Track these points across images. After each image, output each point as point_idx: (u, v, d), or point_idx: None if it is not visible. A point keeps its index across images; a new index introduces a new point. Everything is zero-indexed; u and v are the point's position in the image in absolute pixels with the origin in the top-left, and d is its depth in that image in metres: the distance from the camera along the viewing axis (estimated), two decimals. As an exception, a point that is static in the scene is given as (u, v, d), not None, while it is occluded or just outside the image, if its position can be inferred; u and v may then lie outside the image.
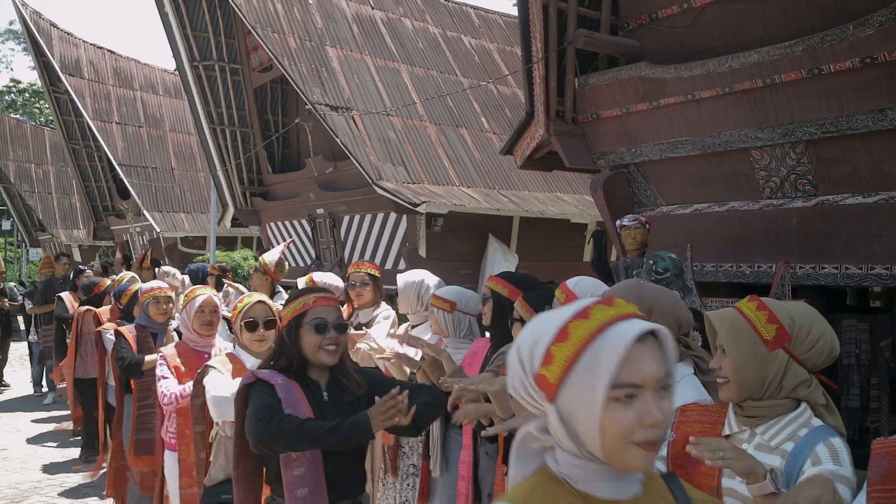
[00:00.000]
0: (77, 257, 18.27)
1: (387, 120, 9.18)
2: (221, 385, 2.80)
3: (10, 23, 46.18)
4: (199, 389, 2.98)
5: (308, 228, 10.24)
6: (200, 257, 11.63)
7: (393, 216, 8.62)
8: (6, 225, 27.86)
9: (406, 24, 11.16)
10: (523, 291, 2.85)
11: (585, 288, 2.55)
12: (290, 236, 10.54)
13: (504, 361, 2.80)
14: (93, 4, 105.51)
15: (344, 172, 9.20)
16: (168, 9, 10.43)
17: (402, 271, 4.83)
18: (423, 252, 8.40)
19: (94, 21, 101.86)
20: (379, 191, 8.07)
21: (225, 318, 4.04)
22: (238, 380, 2.62)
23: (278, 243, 8.43)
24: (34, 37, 15.48)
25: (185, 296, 3.64)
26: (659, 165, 5.27)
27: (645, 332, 1.00)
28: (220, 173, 11.09)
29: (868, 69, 3.85)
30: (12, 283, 17.33)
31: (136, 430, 4.22)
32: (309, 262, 10.33)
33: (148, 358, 4.18)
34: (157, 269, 7.47)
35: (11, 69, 50.09)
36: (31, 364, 9.91)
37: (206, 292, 3.60)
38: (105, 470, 5.28)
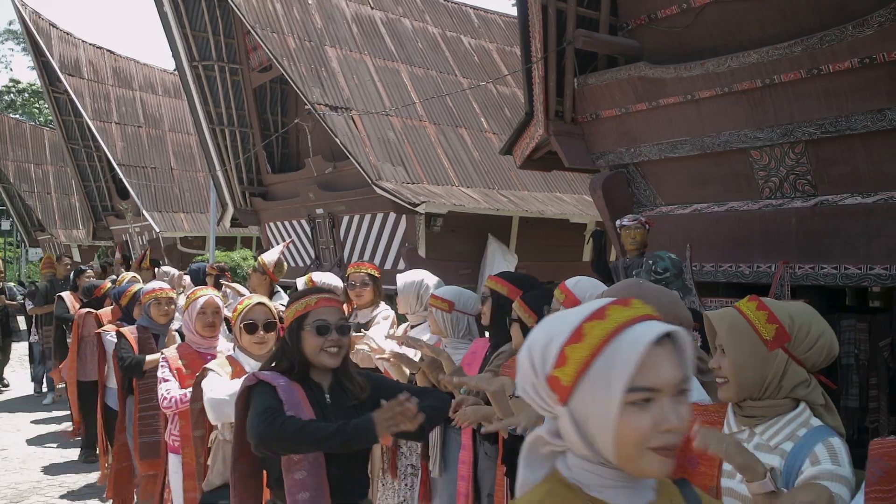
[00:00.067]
0: (76, 257, 18.24)
1: (386, 120, 9.18)
2: (219, 387, 2.76)
3: (10, 23, 46.28)
4: (197, 393, 2.93)
5: (307, 228, 10.23)
6: (200, 257, 11.62)
7: (392, 216, 8.62)
8: (5, 225, 27.82)
9: (405, 25, 11.16)
10: (523, 291, 2.85)
11: (585, 288, 2.54)
12: (290, 236, 10.53)
13: (503, 361, 2.80)
14: (92, 4, 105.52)
15: (343, 172, 9.19)
16: (167, 9, 10.43)
17: (401, 271, 4.83)
18: (422, 252, 8.39)
19: (93, 21, 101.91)
20: (378, 191, 8.07)
21: (225, 319, 4.03)
22: (236, 381, 2.60)
23: (278, 243, 8.44)
24: (33, 37, 15.48)
25: (187, 297, 3.62)
26: (658, 165, 5.27)
27: (663, 335, 0.97)
28: (219, 173, 11.08)
29: (867, 69, 3.86)
30: (12, 284, 17.34)
31: (139, 433, 4.19)
32: (308, 262, 10.32)
33: (149, 358, 4.16)
34: (156, 270, 7.48)
35: (11, 69, 50.32)
36: (30, 364, 9.90)
37: (207, 293, 3.56)
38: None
